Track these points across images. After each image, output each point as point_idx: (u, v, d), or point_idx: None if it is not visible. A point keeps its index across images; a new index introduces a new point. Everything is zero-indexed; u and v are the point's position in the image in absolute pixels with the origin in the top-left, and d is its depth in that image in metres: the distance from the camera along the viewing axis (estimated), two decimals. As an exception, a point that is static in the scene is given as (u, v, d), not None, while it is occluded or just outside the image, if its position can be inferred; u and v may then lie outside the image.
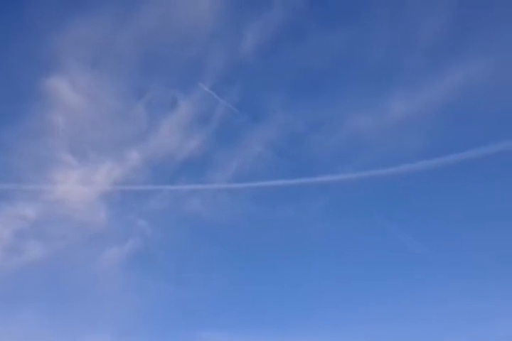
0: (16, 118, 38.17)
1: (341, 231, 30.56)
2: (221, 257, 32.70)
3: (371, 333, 26.62)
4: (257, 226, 31.55)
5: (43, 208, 36.12)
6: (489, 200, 27.69)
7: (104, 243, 33.95)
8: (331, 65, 32.19)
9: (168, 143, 35.31)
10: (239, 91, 32.68)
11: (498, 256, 26.52)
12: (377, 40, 31.51)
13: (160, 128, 34.68)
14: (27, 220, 36.84)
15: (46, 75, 35.45)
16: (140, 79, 35.77)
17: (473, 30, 31.26)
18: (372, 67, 30.80)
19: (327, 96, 32.16)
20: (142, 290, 32.03)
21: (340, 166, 30.82)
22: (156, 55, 35.48)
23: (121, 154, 35.71)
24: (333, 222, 31.41)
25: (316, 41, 31.98)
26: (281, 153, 32.66)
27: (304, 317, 29.18)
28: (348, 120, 30.89)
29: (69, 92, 36.48)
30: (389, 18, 31.03)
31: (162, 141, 35.60)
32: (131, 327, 31.05)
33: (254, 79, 33.53)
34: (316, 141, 32.04)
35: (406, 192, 29.92)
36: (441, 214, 30.17)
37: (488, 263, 26.68)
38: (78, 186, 37.47)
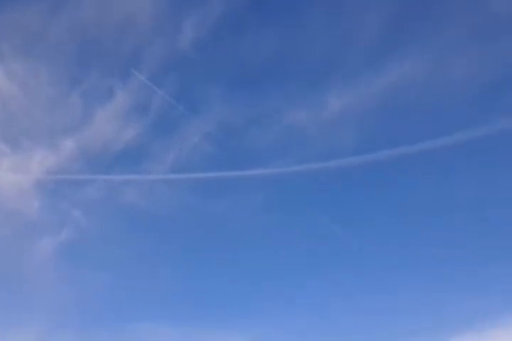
0: None
1: (277, 224, 30.88)
2: (157, 248, 32.57)
3: (305, 325, 27.23)
4: (193, 218, 31.49)
5: None
6: (420, 194, 28.48)
7: (37, 233, 33.18)
8: (270, 60, 32.24)
9: (104, 133, 34.62)
10: (177, 83, 32.28)
11: (427, 248, 27.37)
12: (315, 36, 31.79)
13: (95, 118, 33.93)
14: None
15: None
16: (76, 67, 34.88)
17: (411, 28, 31.83)
18: (310, 62, 31.06)
19: (265, 90, 32.18)
20: (76, 282, 31.43)
21: (277, 160, 31.13)
22: (92, 44, 34.58)
23: (56, 143, 34.87)
24: (269, 215, 31.73)
25: (254, 35, 31.85)
26: (218, 146, 32.67)
27: (241, 309, 29.51)
28: (285, 114, 31.09)
29: (2, 79, 35.52)
30: (328, 15, 31.28)
31: (98, 130, 34.91)
32: (65, 319, 30.53)
33: (193, 71, 33.19)
34: (253, 134, 32.18)
35: (340, 186, 30.47)
36: (374, 208, 30.94)
37: (418, 255, 27.70)
38: (10, 174, 36.52)
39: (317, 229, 29.30)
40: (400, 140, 30.26)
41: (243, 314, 27.79)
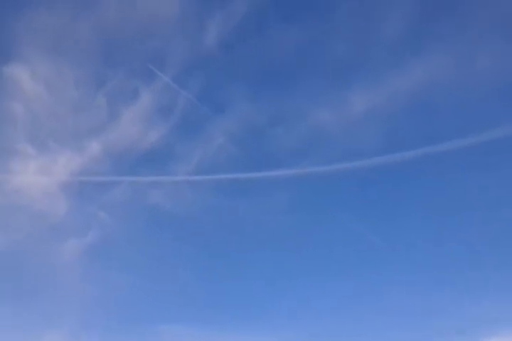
0: None
1: (301, 225, 30.77)
2: (181, 249, 32.68)
3: (330, 326, 27.10)
4: (217, 219, 31.51)
5: (0, 198, 35.65)
6: (447, 194, 28.27)
7: (63, 234, 33.50)
8: (294, 59, 32.27)
9: (129, 134, 34.90)
10: (201, 83, 32.50)
11: (455, 248, 27.28)
12: (339, 34, 31.68)
13: (121, 119, 34.28)
14: None
15: (5, 63, 34.86)
16: (101, 68, 35.24)
17: (435, 26, 31.58)
18: (334, 61, 30.92)
19: (289, 89, 32.25)
20: (102, 283, 31.77)
21: (301, 160, 31.02)
22: (117, 45, 34.95)
23: (82, 144, 35.14)
24: (293, 216, 31.66)
25: (279, 35, 31.88)
26: (242, 146, 32.62)
27: (264, 311, 29.45)
28: (309, 114, 31.04)
29: (28, 81, 35.78)
30: (352, 13, 31.14)
31: (123, 131, 35.21)
32: (91, 320, 30.81)
33: (217, 72, 33.31)
34: (277, 134, 32.11)
35: (365, 186, 30.30)
36: (400, 208, 30.70)
37: (445, 255, 27.47)
38: (37, 176, 36.86)
39: (342, 230, 29.14)
40: (426, 139, 29.95)
41: (267, 316, 27.74)
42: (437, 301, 25.43)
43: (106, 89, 33.09)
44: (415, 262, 26.83)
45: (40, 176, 36.66)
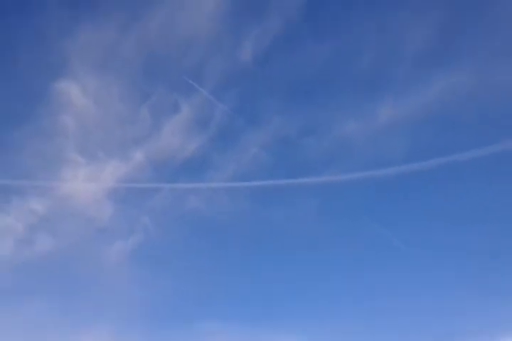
0: (28, 120, 39.62)
1: (330, 229, 32.11)
2: (218, 252, 34.36)
3: (360, 326, 28.24)
4: (251, 224, 33.13)
5: (53, 204, 37.68)
6: (470, 202, 29.03)
7: (109, 238, 35.26)
8: (323, 73, 33.69)
9: (170, 144, 36.93)
10: (236, 97, 34.30)
11: (478, 253, 27.58)
12: (365, 49, 33.21)
13: (162, 130, 36.36)
14: (37, 215, 38.34)
15: (57, 80, 37.21)
16: (144, 83, 37.32)
17: (458, 40, 32.61)
18: (361, 75, 32.20)
19: (319, 102, 33.71)
20: (144, 283, 33.43)
21: (331, 168, 32.51)
22: (159, 60, 36.82)
23: (126, 154, 37.27)
24: (322, 221, 33.15)
25: (309, 50, 33.53)
26: (275, 155, 34.36)
27: (297, 312, 31.02)
28: (338, 125, 32.50)
29: (78, 96, 37.97)
30: (377, 29, 32.44)
31: (164, 142, 37.27)
32: (134, 318, 32.43)
33: (251, 85, 35.09)
34: (308, 144, 33.55)
35: (391, 194, 31.57)
36: (424, 215, 31.71)
37: (468, 260, 28.04)
38: (86, 183, 39.00)
39: (369, 235, 30.12)
40: (449, 149, 31.06)
41: (300, 314, 29.11)
42: (458, 302, 26.47)
43: (149, 103, 35.14)
44: (436, 264, 27.82)
45: (89, 183, 38.78)
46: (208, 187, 36.89)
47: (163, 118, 36.61)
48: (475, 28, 31.91)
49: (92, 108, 39.41)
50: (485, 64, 31.29)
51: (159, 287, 33.27)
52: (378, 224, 29.70)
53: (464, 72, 30.85)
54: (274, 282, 30.69)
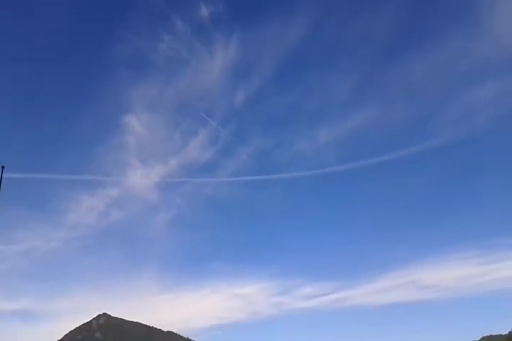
0: (107, 139, 78.17)
1: (291, 207, 56.03)
2: (224, 221, 64.68)
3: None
4: (245, 204, 58.17)
5: (121, 191, 76.31)
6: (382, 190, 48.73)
7: (155, 212, 72.79)
8: (287, 111, 60.42)
9: (193, 154, 70.95)
10: (234, 126, 64.86)
11: None
12: (312, 98, 61.35)
13: (188, 146, 68.94)
14: (112, 198, 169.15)
15: (123, 115, 70.96)
16: (177, 117, 69.87)
17: (368, 89, 55.74)
18: (309, 113, 57.94)
19: (284, 128, 62.35)
20: (176, 239, 69.15)
21: (292, 169, 55.75)
22: (186, 103, 69.58)
23: (166, 160, 74.01)
24: (287, 201, 61.94)
25: (277, 98, 61.08)
26: (258, 161, 62.48)
27: (271, 257, 56.91)
28: (297, 142, 56.37)
29: (136, 124, 74.86)
30: (317, 84, 54.98)
31: (189, 153, 71.28)
32: (169, 260, 69.79)
33: (243, 119, 66.04)
34: (278, 154, 60.12)
35: (328, 186, 52.38)
36: (348, 200, 54.73)
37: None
38: (141, 178, 78.91)
39: (314, 212, 52.22)
40: (364, 156, 55.79)
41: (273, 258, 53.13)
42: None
43: (180, 129, 67.58)
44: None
45: (143, 178, 79.03)
46: (217, 181, 71.67)
47: (188, 138, 71.31)
48: (378, 83, 56.26)
49: (145, 132, 77.64)
50: (386, 104, 57.37)
51: (185, 241, 70.42)
52: (322, 204, 51.26)
53: (372, 109, 56.58)
54: (259, 239, 55.55)
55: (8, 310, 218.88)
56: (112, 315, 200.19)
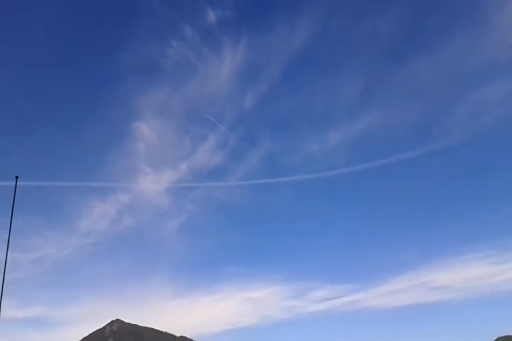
0: (116, 146, 76.99)
1: (301, 209, 54.96)
2: (234, 224, 64.15)
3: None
4: (254, 207, 57.68)
5: (132, 197, 75.38)
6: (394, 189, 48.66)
7: (166, 217, 71.40)
8: (295, 114, 59.61)
9: (203, 159, 69.74)
10: (242, 130, 64.47)
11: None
12: (320, 99, 60.29)
13: (198, 151, 68.30)
14: (123, 204, 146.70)
15: (134, 121, 70.96)
16: (186, 122, 69.32)
17: (374, 92, 54.45)
18: (318, 114, 56.01)
19: (293, 131, 60.71)
20: (187, 244, 67.73)
21: (301, 171, 55.01)
22: (195, 108, 68.93)
23: (176, 165, 72.73)
24: (297, 203, 61.61)
25: (285, 101, 59.92)
26: (267, 164, 61.92)
27: (281, 260, 56.63)
28: (305, 145, 55.63)
29: (146, 131, 73.98)
30: (325, 87, 54.82)
31: (199, 158, 69.99)
32: (181, 265, 68.87)
33: (251, 123, 65.21)
34: (287, 157, 59.90)
35: (336, 187, 52.21)
36: (358, 201, 54.36)
37: None
38: (152, 184, 77.82)
39: (321, 213, 52.01)
40: (372, 157, 54.31)
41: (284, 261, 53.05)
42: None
43: (189, 135, 66.88)
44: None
45: (154, 184, 78.10)
46: (227, 185, 70.89)
47: (198, 143, 70.80)
48: (385, 84, 55.56)
49: (155, 138, 76.94)
50: (394, 105, 56.41)
51: (196, 246, 68.95)
52: (333, 206, 51.04)
53: (380, 111, 55.76)
54: (270, 242, 54.79)
55: (22, 318, 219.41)
56: (125, 321, 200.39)
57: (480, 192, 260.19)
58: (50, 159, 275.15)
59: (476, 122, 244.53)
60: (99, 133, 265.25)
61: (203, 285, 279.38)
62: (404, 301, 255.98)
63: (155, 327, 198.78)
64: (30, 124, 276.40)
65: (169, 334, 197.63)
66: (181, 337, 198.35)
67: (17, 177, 18.98)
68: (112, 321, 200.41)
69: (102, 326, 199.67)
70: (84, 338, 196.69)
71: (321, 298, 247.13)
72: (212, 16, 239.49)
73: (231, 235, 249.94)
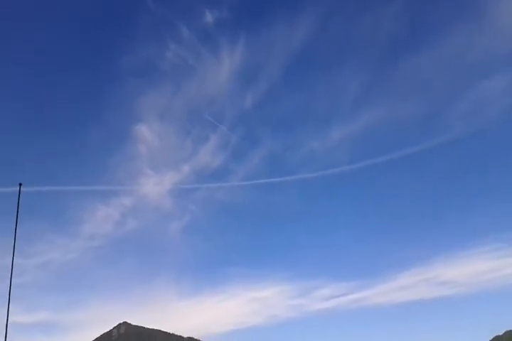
0: (118, 149, 77.09)
1: (306, 208, 55.06)
2: (235, 224, 64.49)
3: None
4: (256, 207, 57.94)
5: (135, 199, 76.14)
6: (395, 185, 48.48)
7: (169, 219, 71.30)
8: (296, 113, 59.49)
9: (204, 160, 70.60)
10: (243, 130, 64.78)
11: None
12: (320, 97, 59.15)
13: (199, 152, 68.58)
14: (126, 207, 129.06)
15: (135, 124, 71.05)
16: (187, 124, 69.63)
17: (376, 87, 54.18)
18: (319, 112, 55.98)
19: (294, 130, 60.72)
20: (190, 246, 68.88)
21: (303, 170, 55.29)
22: (196, 109, 69.27)
23: (178, 167, 73.49)
24: (302, 202, 62.11)
25: (285, 100, 59.91)
26: (268, 164, 62.20)
27: (285, 259, 57.00)
28: (306, 143, 56.05)
29: (148, 133, 74.59)
30: (327, 83, 54.94)
31: (201, 159, 70.43)
32: (184, 266, 69.63)
33: (252, 122, 65.94)
34: (288, 156, 59.73)
35: (340, 185, 52.33)
36: (360, 196, 54.20)
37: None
38: (154, 186, 78.27)
39: (323, 211, 52.50)
40: (374, 153, 54.50)
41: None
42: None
43: (191, 136, 67.32)
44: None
45: (156, 186, 78.32)
46: (229, 185, 71.43)
47: (199, 144, 70.80)
48: (386, 80, 55.56)
49: (156, 140, 77.12)
50: (396, 101, 56.23)
51: (200, 247, 69.15)
52: (336, 203, 50.98)
53: (382, 107, 55.46)
54: (274, 242, 55.00)
55: (28, 323, 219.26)
56: (132, 323, 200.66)
57: (484, 186, 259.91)
58: (52, 164, 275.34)
59: (478, 115, 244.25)
60: (100, 137, 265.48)
61: (209, 285, 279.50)
62: (410, 297, 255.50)
63: (162, 329, 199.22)
64: (30, 130, 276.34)
65: (176, 335, 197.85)
66: (189, 338, 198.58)
67: (20, 184, 18.98)
68: (119, 324, 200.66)
69: (109, 329, 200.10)
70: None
71: (327, 296, 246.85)
72: (209, 17, 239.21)
73: (235, 235, 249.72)
